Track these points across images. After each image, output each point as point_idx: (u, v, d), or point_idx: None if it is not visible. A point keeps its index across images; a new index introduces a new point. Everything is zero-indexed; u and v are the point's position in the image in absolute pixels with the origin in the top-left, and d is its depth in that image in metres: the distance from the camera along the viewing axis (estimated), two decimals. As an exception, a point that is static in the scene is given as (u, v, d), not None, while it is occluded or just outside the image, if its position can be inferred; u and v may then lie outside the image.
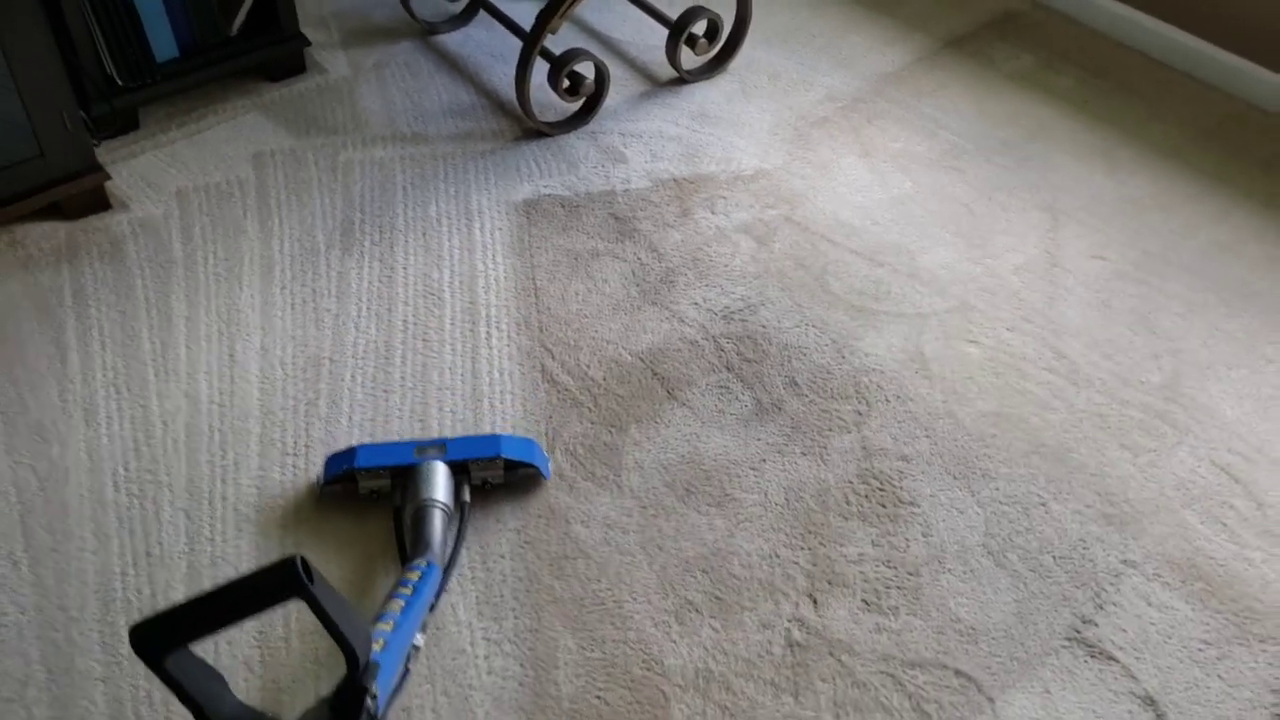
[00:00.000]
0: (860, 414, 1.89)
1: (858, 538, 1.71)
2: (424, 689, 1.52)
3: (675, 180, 2.35)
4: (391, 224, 2.24)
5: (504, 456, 1.69)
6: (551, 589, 1.65)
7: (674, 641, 1.58)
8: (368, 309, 2.07)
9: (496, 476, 1.72)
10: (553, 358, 1.98)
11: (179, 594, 1.64)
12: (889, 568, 1.67)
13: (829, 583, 1.65)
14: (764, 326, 2.04)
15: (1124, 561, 1.67)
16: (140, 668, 1.54)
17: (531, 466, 1.72)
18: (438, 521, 1.60)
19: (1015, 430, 1.86)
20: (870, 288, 2.12)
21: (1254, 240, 2.20)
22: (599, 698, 1.52)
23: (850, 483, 1.79)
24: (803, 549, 1.70)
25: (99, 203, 2.26)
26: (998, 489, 1.77)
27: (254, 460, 1.82)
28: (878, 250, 2.19)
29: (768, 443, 1.85)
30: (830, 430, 1.87)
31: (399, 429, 1.86)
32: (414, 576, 1.47)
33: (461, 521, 1.67)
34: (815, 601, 1.63)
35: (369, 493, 1.71)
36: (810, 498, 1.77)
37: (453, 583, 1.63)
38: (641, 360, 1.98)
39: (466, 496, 1.69)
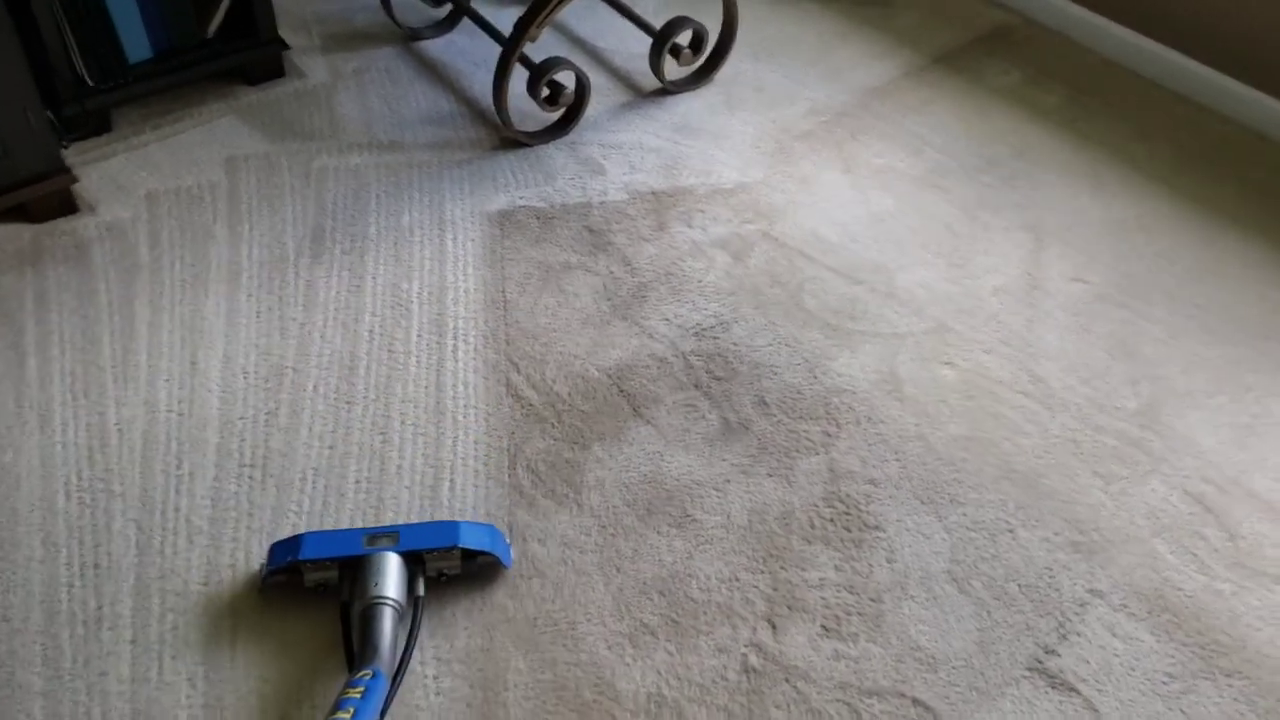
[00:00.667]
0: (829, 435, 1.86)
1: (820, 562, 1.68)
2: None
3: (653, 193, 2.31)
4: (363, 233, 2.21)
5: (461, 546, 1.57)
6: (505, 608, 1.61)
7: (627, 665, 1.55)
8: (334, 318, 2.03)
9: (453, 568, 1.59)
10: (518, 372, 1.94)
11: (125, 608, 1.60)
12: (851, 593, 1.63)
13: (788, 608, 1.62)
14: (735, 344, 2.01)
15: (1090, 591, 1.63)
16: (82, 682, 1.51)
17: (491, 555, 1.60)
18: (387, 621, 1.48)
19: (986, 455, 1.82)
20: (846, 306, 2.08)
21: (1239, 265, 2.16)
22: (547, 722, 1.48)
23: (815, 506, 1.75)
24: (763, 573, 1.66)
25: (66, 205, 2.23)
26: (965, 515, 1.74)
27: (210, 471, 1.79)
28: (856, 268, 2.16)
29: (733, 463, 1.81)
30: (798, 452, 1.83)
31: (359, 440, 1.83)
32: (355, 694, 1.35)
33: (415, 618, 1.53)
34: (774, 627, 1.59)
35: (315, 585, 1.58)
36: (774, 520, 1.73)
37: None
38: (609, 376, 1.95)
39: (421, 590, 1.56)
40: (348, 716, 1.31)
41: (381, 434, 1.84)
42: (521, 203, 2.28)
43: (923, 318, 2.06)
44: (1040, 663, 1.55)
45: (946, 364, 1.97)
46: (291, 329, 2.01)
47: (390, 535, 1.57)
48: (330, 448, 1.82)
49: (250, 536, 1.69)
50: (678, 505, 1.75)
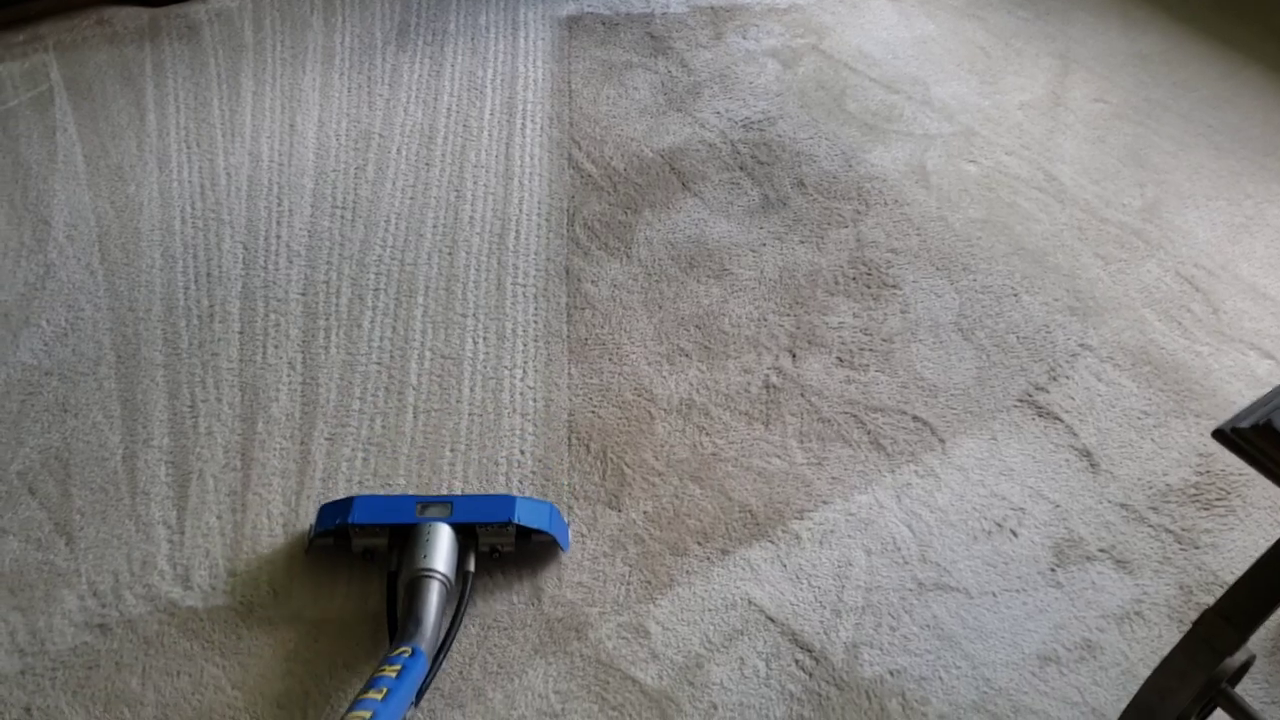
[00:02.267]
0: (859, 213, 2.06)
1: (841, 310, 1.89)
2: (467, 399, 1.73)
3: (712, 8, 2.50)
4: (444, 29, 2.42)
5: (516, 523, 1.48)
6: (560, 331, 1.84)
7: (664, 377, 1.78)
8: (416, 96, 2.25)
9: (507, 544, 1.49)
10: (580, 149, 2.16)
11: (234, 307, 1.85)
12: (865, 335, 1.85)
13: (809, 342, 1.83)
14: (780, 136, 2.20)
15: (1081, 345, 1.83)
16: (197, 360, 1.76)
17: (547, 535, 1.50)
18: (434, 596, 1.39)
19: (999, 235, 2.02)
20: (884, 110, 2.27)
21: (1254, 96, 2.32)
22: (594, 413, 1.72)
23: (841, 267, 1.96)
24: (788, 315, 1.88)
25: (180, -8, 2.46)
26: (975, 280, 1.94)
27: (307, 210, 2.02)
28: (895, 80, 2.34)
29: (770, 231, 2.02)
30: (829, 224, 2.03)
31: (436, 194, 2.05)
32: (391, 673, 1.28)
33: (463, 594, 1.45)
34: (794, 355, 1.81)
35: (363, 551, 1.50)
36: (802, 276, 1.94)
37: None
38: (661, 156, 2.15)
39: (471, 565, 1.47)
40: (380, 697, 1.24)
41: (456, 190, 2.07)
42: (589, 10, 2.48)
43: (952, 123, 2.24)
44: (1030, 396, 1.76)
45: (970, 161, 2.16)
46: (378, 103, 2.24)
47: (444, 505, 1.49)
48: (411, 199, 2.05)
49: (342, 262, 1.93)
50: (717, 261, 1.96)
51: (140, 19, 2.40)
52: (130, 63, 2.29)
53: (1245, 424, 0.99)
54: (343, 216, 2.01)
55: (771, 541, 1.56)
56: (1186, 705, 1.23)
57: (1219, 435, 1.01)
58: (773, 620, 1.47)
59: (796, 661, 1.43)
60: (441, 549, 1.44)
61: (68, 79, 2.25)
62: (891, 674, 1.42)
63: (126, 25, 2.38)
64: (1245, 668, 1.30)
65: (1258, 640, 1.47)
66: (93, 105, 2.19)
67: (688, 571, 1.52)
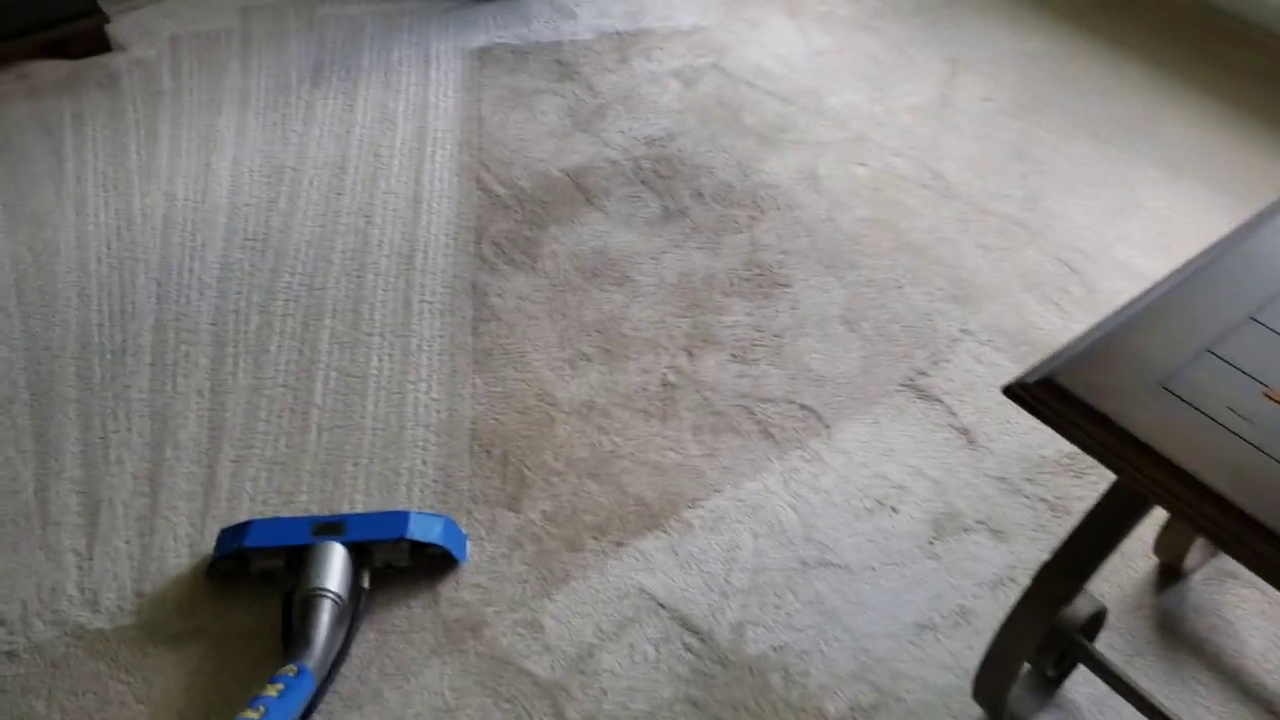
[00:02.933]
0: (753, 219, 2.13)
1: (735, 310, 1.96)
2: (370, 414, 1.79)
3: (618, 34, 2.59)
4: (358, 65, 2.50)
5: (409, 538, 1.52)
6: (465, 344, 1.91)
7: (565, 381, 1.84)
8: (329, 130, 2.33)
9: (401, 560, 1.54)
10: (488, 171, 2.23)
11: (146, 341, 1.91)
12: (757, 331, 1.92)
13: (705, 341, 1.90)
14: (680, 151, 2.28)
15: (962, 330, 1.91)
16: (109, 393, 1.82)
17: (441, 548, 1.54)
18: (325, 615, 1.43)
19: (885, 232, 2.10)
20: (779, 121, 2.35)
21: (1136, 89, 2.41)
22: (496, 419, 1.78)
23: (735, 270, 2.03)
24: (686, 317, 1.95)
25: (100, 45, 2.54)
26: (861, 275, 2.01)
27: (219, 244, 2.09)
28: (791, 93, 2.43)
29: (669, 239, 2.10)
30: (725, 231, 2.11)
31: (346, 221, 2.12)
32: (272, 692, 1.31)
33: (356, 611, 1.49)
34: (690, 354, 1.88)
35: (261, 572, 1.54)
36: (699, 280, 2.01)
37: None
38: (567, 175, 2.23)
39: (366, 583, 1.51)
40: (256, 716, 1.27)
41: (365, 216, 2.14)
42: (499, 41, 2.57)
43: (844, 130, 2.33)
44: (912, 381, 1.83)
45: (860, 164, 2.24)
46: (292, 139, 2.31)
47: (337, 525, 1.53)
48: (321, 227, 2.12)
49: (251, 291, 2.00)
50: (619, 270, 2.04)
51: (60, 71, 2.48)
52: (50, 114, 2.36)
53: (1032, 380, 1.07)
54: (254, 248, 2.08)
55: (665, 531, 1.62)
56: (1034, 653, 1.30)
57: (1008, 391, 1.08)
58: (663, 606, 1.53)
59: (685, 644, 1.49)
60: (334, 568, 1.48)
61: (-11, 132, 2.32)
62: (775, 650, 1.48)
63: (47, 78, 2.45)
64: (1097, 620, 1.37)
65: (1122, 599, 1.54)
66: (11, 156, 2.26)
67: (583, 566, 1.58)
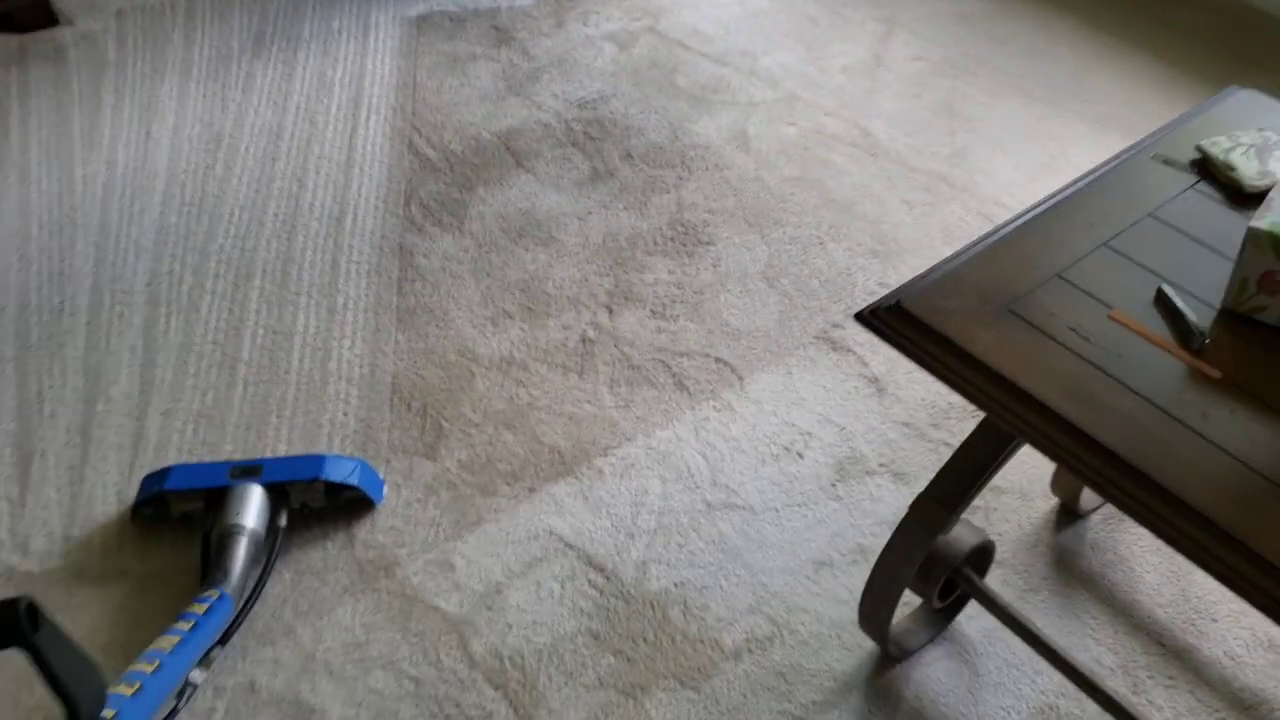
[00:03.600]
0: (681, 179, 2.17)
1: (658, 268, 2.00)
2: (295, 369, 1.83)
3: None
4: (298, 34, 2.53)
5: (324, 479, 1.58)
6: (390, 303, 1.95)
7: (487, 338, 1.88)
8: (267, 99, 2.37)
9: (317, 500, 1.60)
10: (420, 135, 2.27)
11: (83, 302, 1.95)
12: (678, 289, 1.95)
13: (625, 298, 1.94)
14: (612, 113, 2.32)
15: (880, 284, 1.94)
16: (45, 352, 1.86)
17: (357, 490, 1.60)
18: (241, 549, 1.49)
19: (811, 190, 2.13)
20: (712, 83, 2.38)
21: (1066, 46, 2.44)
22: (417, 374, 1.82)
23: (660, 229, 2.07)
24: (609, 276, 1.98)
25: (47, 18, 2.57)
26: (785, 232, 2.05)
27: (156, 209, 2.13)
28: (725, 54, 2.46)
29: (596, 200, 2.13)
30: (652, 191, 2.15)
31: (279, 186, 2.16)
32: (199, 610, 1.38)
33: (273, 547, 1.55)
34: (611, 311, 1.92)
35: (181, 515, 1.60)
36: (624, 240, 2.05)
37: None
38: (498, 138, 2.27)
39: (283, 522, 1.57)
40: (187, 627, 1.33)
41: (298, 181, 2.18)
42: (439, 8, 2.60)
43: (776, 90, 2.36)
44: (826, 334, 1.87)
45: (790, 124, 2.27)
46: (230, 107, 2.35)
47: (254, 468, 1.59)
48: (255, 191, 2.16)
49: (186, 254, 2.04)
50: (545, 230, 2.07)
51: (8, 45, 2.51)
52: (-4, 86, 2.40)
53: (883, 306, 1.10)
54: (189, 212, 2.11)
55: (576, 478, 1.66)
56: (916, 582, 1.34)
57: (859, 317, 1.12)
58: (571, 547, 1.57)
59: (589, 581, 1.53)
60: (251, 507, 1.54)
61: (-65, 105, 2.36)
62: (676, 585, 1.52)
63: (-6, 51, 2.49)
64: (984, 553, 1.41)
65: (1020, 537, 1.58)
66: (-43, 127, 2.30)
67: (495, 510, 1.63)
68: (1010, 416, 1.03)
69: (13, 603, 0.93)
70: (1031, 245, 1.17)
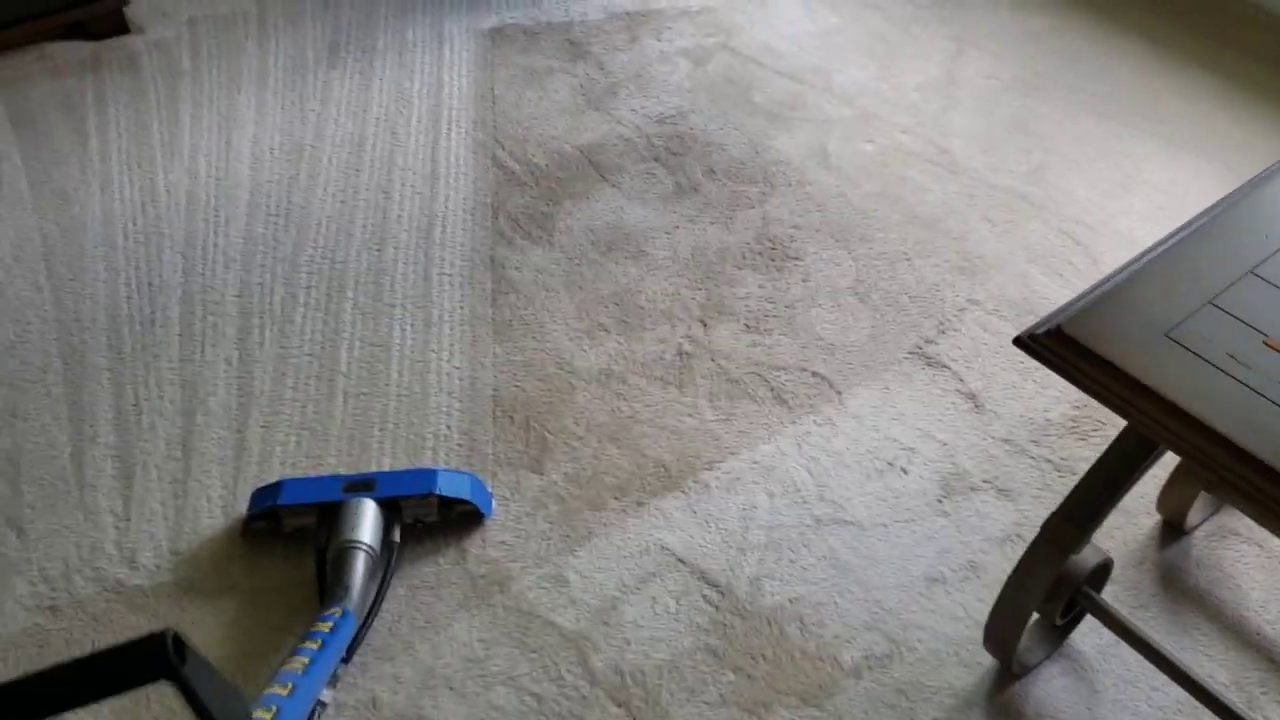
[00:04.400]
0: (764, 194, 2.19)
1: (748, 282, 2.01)
2: (394, 381, 1.84)
3: (628, 14, 2.63)
4: (373, 45, 2.55)
5: (438, 494, 1.58)
6: (485, 315, 1.96)
7: (584, 351, 1.89)
8: (346, 109, 2.38)
9: (430, 515, 1.60)
10: (503, 148, 2.28)
11: (174, 313, 1.96)
12: (770, 303, 1.97)
13: (718, 312, 1.95)
14: (691, 129, 2.33)
15: (969, 300, 1.96)
16: (140, 362, 1.87)
17: (469, 504, 1.60)
18: (360, 565, 1.50)
19: (894, 207, 2.15)
20: (789, 99, 2.40)
21: (1133, 65, 2.46)
22: (518, 387, 1.83)
23: (748, 244, 2.08)
24: (700, 289, 2.00)
25: (119, 26, 2.58)
26: (871, 248, 2.06)
27: (242, 219, 2.14)
28: (799, 71, 2.48)
29: (682, 215, 2.15)
30: (737, 206, 2.16)
31: (365, 197, 2.17)
32: (324, 629, 1.39)
33: (389, 563, 1.55)
34: (705, 325, 1.93)
35: (294, 530, 1.61)
36: (713, 254, 2.07)
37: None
38: (581, 152, 2.28)
39: (396, 536, 1.57)
40: (315, 647, 1.34)
41: (384, 192, 2.19)
42: (511, 21, 2.61)
43: (852, 107, 2.38)
44: (920, 349, 1.89)
45: (868, 141, 2.29)
46: (310, 118, 2.36)
47: (367, 482, 1.59)
48: (341, 202, 2.17)
49: (275, 264, 2.05)
50: (634, 244, 2.09)
51: (81, 52, 2.52)
52: (72, 93, 2.41)
53: (1040, 330, 1.12)
54: (276, 223, 2.12)
55: (683, 492, 1.68)
56: (1041, 601, 1.35)
57: (1018, 342, 1.14)
58: (683, 561, 1.59)
59: (704, 596, 1.55)
60: (366, 523, 1.54)
61: (11, 112, 2.36)
62: (791, 601, 1.54)
63: (68, 59, 2.50)
64: (1104, 571, 1.43)
65: (1126, 554, 1.59)
66: (36, 135, 2.30)
67: (605, 524, 1.64)
68: (1182, 443, 1.04)
69: (159, 636, 0.93)
70: (1178, 272, 1.19)
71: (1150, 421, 1.07)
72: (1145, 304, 1.14)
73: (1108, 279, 1.20)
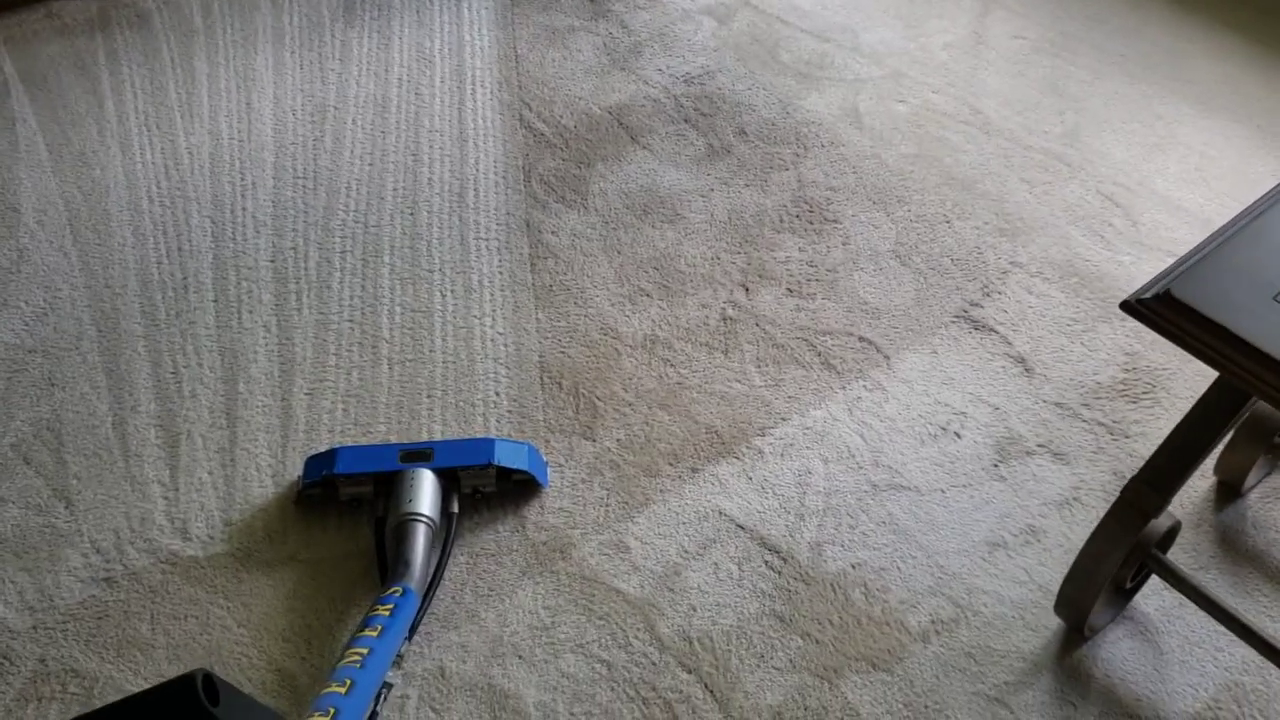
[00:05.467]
0: (798, 156, 2.17)
1: (787, 245, 2.00)
2: (439, 348, 1.82)
3: (647, -28, 2.59)
4: (389, 3, 2.49)
5: (496, 464, 1.55)
6: (525, 280, 1.93)
7: (627, 316, 1.88)
8: (367, 69, 2.33)
9: (488, 485, 1.58)
10: (530, 109, 2.25)
11: (207, 278, 1.92)
12: (811, 267, 1.96)
13: (760, 276, 1.94)
14: (720, 89, 2.31)
15: (1012, 262, 1.96)
16: (176, 329, 1.83)
17: (526, 474, 1.59)
18: (420, 538, 1.47)
19: (930, 168, 2.14)
20: (816, 59, 2.38)
21: (1160, 25, 2.45)
22: (563, 353, 1.81)
23: (785, 206, 2.07)
24: (740, 253, 1.98)
25: (126, -18, 2.51)
26: (910, 210, 2.05)
27: (269, 182, 2.10)
28: (825, 29, 2.45)
29: (716, 177, 2.12)
30: (771, 168, 2.14)
31: (394, 159, 2.13)
32: (384, 612, 1.36)
33: (449, 534, 1.53)
34: (747, 289, 1.92)
35: (350, 499, 1.58)
36: (750, 217, 2.05)
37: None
38: (609, 113, 2.25)
39: (455, 507, 1.55)
40: (375, 634, 1.32)
41: (413, 154, 2.15)
42: (530, -21, 2.56)
43: (881, 66, 2.35)
44: (966, 312, 1.88)
45: (900, 101, 2.27)
46: (330, 78, 2.31)
47: (425, 452, 1.56)
48: (369, 165, 2.13)
49: (308, 229, 2.01)
50: (669, 207, 2.07)
51: (89, 10, 2.45)
52: (83, 53, 2.34)
53: (1149, 295, 1.11)
54: (305, 186, 2.08)
55: (737, 458, 1.67)
56: (1119, 566, 1.36)
57: (1125, 306, 1.13)
58: (742, 528, 1.58)
59: (766, 562, 1.54)
60: (425, 493, 1.51)
61: (22, 72, 2.30)
62: (853, 567, 1.54)
63: (75, 17, 2.42)
64: (1172, 534, 1.44)
65: (1184, 516, 1.61)
66: (49, 95, 2.24)
67: (661, 490, 1.63)
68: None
69: (189, 679, 0.92)
70: (1278, 235, 1.19)
71: (1263, 385, 1.07)
72: (1247, 266, 1.13)
73: (1208, 241, 1.19)
